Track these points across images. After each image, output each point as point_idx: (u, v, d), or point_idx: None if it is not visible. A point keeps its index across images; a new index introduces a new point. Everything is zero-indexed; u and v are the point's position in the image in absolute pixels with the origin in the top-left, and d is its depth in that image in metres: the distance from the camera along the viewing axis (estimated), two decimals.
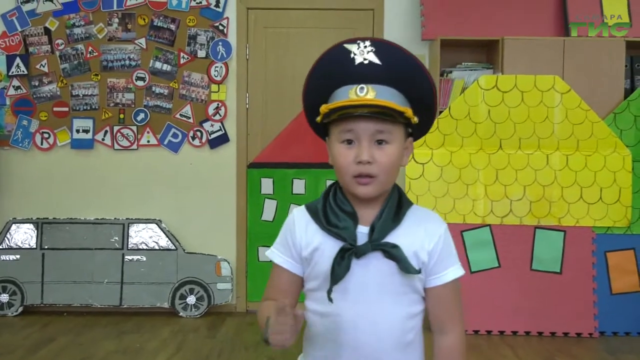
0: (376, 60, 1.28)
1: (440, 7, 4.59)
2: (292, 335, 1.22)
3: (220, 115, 4.77)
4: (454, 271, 1.39)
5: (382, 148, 1.30)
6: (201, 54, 4.75)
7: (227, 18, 4.76)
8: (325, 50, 1.35)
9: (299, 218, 1.39)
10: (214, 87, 4.77)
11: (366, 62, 1.28)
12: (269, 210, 4.74)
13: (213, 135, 4.79)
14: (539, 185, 4.19)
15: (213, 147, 4.80)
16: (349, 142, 1.31)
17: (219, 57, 4.75)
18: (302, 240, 1.36)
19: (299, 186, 4.71)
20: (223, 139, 4.79)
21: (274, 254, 1.42)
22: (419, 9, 4.67)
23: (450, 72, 4.49)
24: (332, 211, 1.34)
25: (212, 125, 4.78)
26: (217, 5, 4.75)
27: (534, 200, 4.19)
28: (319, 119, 1.35)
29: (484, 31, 4.52)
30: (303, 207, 1.41)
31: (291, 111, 4.70)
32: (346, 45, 1.31)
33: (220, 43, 4.75)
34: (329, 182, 4.64)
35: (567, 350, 3.91)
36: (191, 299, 4.62)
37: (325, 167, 4.65)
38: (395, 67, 1.30)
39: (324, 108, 1.33)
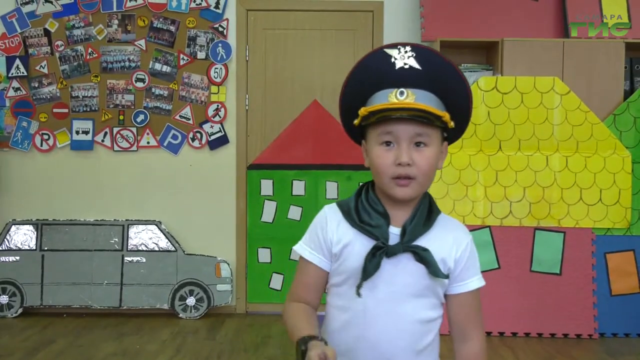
0: (416, 65, 1.31)
1: (440, 9, 4.59)
2: None
3: (220, 117, 4.78)
4: (478, 280, 1.42)
5: (420, 150, 1.33)
6: (201, 55, 4.76)
7: (227, 19, 4.77)
8: (365, 55, 1.37)
9: (331, 215, 1.41)
10: (213, 88, 4.77)
11: (407, 66, 1.31)
12: (269, 211, 4.74)
13: (213, 137, 4.79)
14: (539, 187, 4.20)
15: (213, 149, 4.80)
16: (388, 144, 1.33)
17: (218, 59, 4.75)
18: (334, 237, 1.38)
19: (298, 187, 4.71)
20: (223, 140, 4.79)
21: (303, 249, 1.43)
22: (419, 10, 4.67)
23: None
24: (365, 210, 1.37)
25: (211, 127, 4.78)
26: (216, 7, 4.75)
27: (533, 201, 4.19)
28: (357, 121, 1.37)
29: (483, 32, 4.52)
30: (334, 204, 1.43)
31: (291, 112, 4.71)
32: (387, 50, 1.33)
33: (220, 44, 4.75)
34: (329, 184, 4.65)
35: (567, 351, 3.91)
36: (191, 301, 4.62)
37: (325, 168, 4.66)
38: (435, 72, 1.32)
39: (363, 111, 1.35)
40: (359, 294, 1.32)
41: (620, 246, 4.23)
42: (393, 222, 1.36)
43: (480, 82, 4.22)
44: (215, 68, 4.75)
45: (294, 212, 4.69)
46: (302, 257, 1.43)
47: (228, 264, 4.65)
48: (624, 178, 4.19)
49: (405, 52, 1.32)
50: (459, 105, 1.38)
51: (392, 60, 1.32)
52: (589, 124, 4.19)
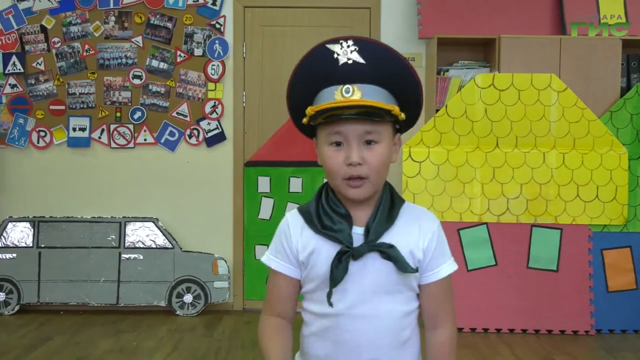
0: (360, 60, 1.27)
1: (437, 6, 4.59)
2: None
3: (217, 114, 4.77)
4: (448, 267, 1.40)
5: (371, 148, 1.30)
6: (198, 52, 4.75)
7: (224, 16, 4.76)
8: (307, 51, 1.33)
9: (293, 222, 1.39)
10: (210, 85, 4.76)
11: (350, 62, 1.27)
12: (266, 208, 4.73)
13: (210, 134, 4.78)
14: (536, 184, 4.20)
15: (210, 146, 4.79)
16: (338, 144, 1.30)
17: (215, 56, 4.75)
18: (299, 245, 1.36)
19: (295, 184, 4.71)
20: (220, 137, 4.79)
21: (270, 260, 1.41)
22: (416, 7, 4.67)
23: (447, 70, 4.49)
24: (326, 214, 1.34)
25: (208, 124, 4.78)
26: (213, 4, 4.74)
27: (530, 198, 4.20)
28: (305, 120, 1.34)
29: (480, 29, 4.52)
30: (295, 211, 1.41)
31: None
32: (328, 46, 1.29)
33: (217, 41, 4.74)
34: (325, 181, 4.64)
35: (564, 348, 3.92)
36: (188, 298, 4.61)
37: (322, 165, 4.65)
38: (380, 65, 1.28)
39: (310, 110, 1.31)
40: (330, 304, 1.31)
41: (616, 243, 4.24)
42: (356, 222, 1.34)
43: (477, 79, 4.22)
44: (212, 65, 4.75)
45: (292, 210, 4.68)
46: (271, 269, 1.41)
47: (225, 261, 4.65)
48: (621, 175, 4.20)
49: (348, 46, 1.27)
50: (409, 95, 1.34)
51: (335, 56, 1.27)
52: (586, 121, 4.19)
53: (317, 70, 1.30)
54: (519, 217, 4.21)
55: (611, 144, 4.20)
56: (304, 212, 1.38)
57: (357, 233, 1.33)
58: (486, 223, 4.21)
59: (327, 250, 1.33)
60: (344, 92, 1.27)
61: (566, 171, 4.20)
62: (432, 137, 4.19)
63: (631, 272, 4.24)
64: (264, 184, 4.74)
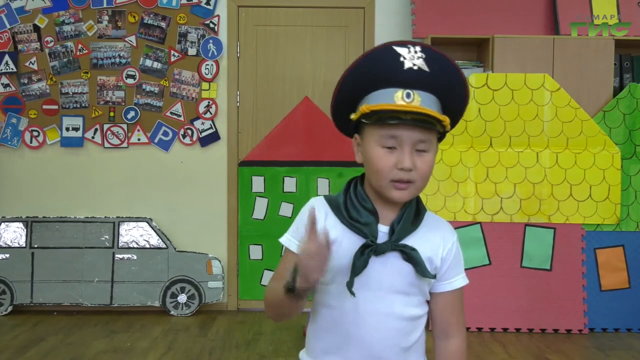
0: (425, 68, 1.28)
1: (431, 6, 4.60)
2: (324, 264, 1.20)
3: (211, 113, 4.77)
4: (463, 279, 1.43)
5: (422, 156, 1.31)
6: (192, 51, 4.74)
7: (218, 16, 4.75)
8: (372, 48, 1.34)
9: (319, 208, 1.38)
10: (204, 85, 4.76)
11: (415, 67, 1.28)
12: (260, 208, 4.73)
13: (204, 134, 4.77)
14: (529, 183, 4.21)
15: (204, 146, 4.79)
16: (390, 147, 1.31)
17: (209, 55, 4.74)
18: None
19: (290, 184, 4.71)
20: (214, 137, 4.78)
21: (291, 242, 1.39)
22: (410, 7, 4.68)
23: None
24: (353, 206, 1.35)
25: (202, 124, 4.77)
26: (207, 3, 4.74)
27: (524, 197, 4.21)
28: (354, 116, 1.35)
29: (474, 29, 4.53)
30: (321, 197, 1.41)
31: (282, 109, 4.70)
32: (396, 48, 1.29)
33: (211, 41, 4.74)
34: (320, 181, 4.65)
35: (557, 346, 3.93)
36: (182, 298, 4.61)
37: (316, 165, 4.66)
38: (442, 76, 1.30)
39: (365, 108, 1.31)
40: (352, 293, 1.31)
41: (609, 242, 4.25)
42: (381, 221, 1.35)
43: (471, 79, 4.23)
44: (206, 64, 4.74)
45: (286, 209, 4.69)
46: (288, 249, 1.40)
47: (219, 261, 4.65)
48: (614, 174, 4.22)
49: (415, 52, 1.29)
50: (457, 108, 1.38)
51: (401, 59, 1.28)
52: (579, 121, 4.21)
53: (379, 69, 1.31)
54: (512, 216, 4.22)
55: (604, 143, 4.22)
56: (331, 200, 1.39)
57: (382, 231, 1.34)
58: (480, 222, 4.22)
59: (349, 241, 1.33)
60: (405, 97, 1.28)
61: (559, 171, 4.22)
62: None
63: (624, 271, 4.26)
64: (258, 183, 4.73)
